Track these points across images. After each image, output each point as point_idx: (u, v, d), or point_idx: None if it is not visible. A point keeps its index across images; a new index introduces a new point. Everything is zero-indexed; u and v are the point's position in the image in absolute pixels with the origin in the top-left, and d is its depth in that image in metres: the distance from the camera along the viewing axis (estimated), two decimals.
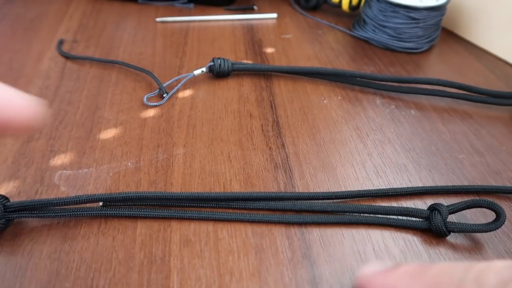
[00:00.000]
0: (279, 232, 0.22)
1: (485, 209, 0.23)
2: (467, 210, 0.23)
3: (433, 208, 0.22)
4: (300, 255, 0.21)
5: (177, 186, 0.24)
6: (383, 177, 0.26)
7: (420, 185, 0.25)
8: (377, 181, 0.25)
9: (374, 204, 0.24)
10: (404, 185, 0.25)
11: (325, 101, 0.32)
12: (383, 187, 0.25)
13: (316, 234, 0.22)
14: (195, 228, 0.22)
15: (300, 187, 0.24)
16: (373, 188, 0.25)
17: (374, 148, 0.28)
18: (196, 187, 0.24)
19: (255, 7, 0.46)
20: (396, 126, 0.30)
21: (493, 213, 0.22)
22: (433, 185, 0.25)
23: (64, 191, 0.23)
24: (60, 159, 0.25)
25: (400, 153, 0.28)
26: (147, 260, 0.20)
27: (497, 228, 0.21)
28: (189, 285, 0.19)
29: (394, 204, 0.24)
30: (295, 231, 0.22)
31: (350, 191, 0.24)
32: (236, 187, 0.24)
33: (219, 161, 0.26)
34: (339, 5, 0.45)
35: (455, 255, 0.21)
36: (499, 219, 0.21)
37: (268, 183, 0.25)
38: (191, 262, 0.20)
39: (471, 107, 0.33)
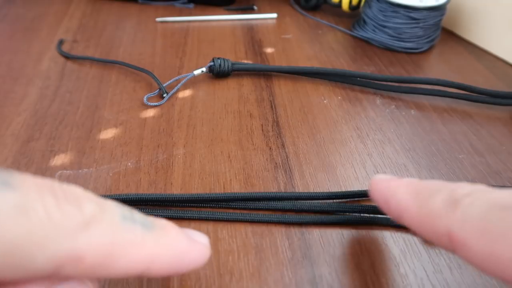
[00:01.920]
0: (279, 232, 0.22)
1: None
2: None
3: None
4: (300, 255, 0.21)
5: (177, 186, 0.24)
6: None
7: None
8: None
9: (374, 204, 0.24)
10: None
11: (325, 101, 0.32)
12: None
13: (316, 234, 0.22)
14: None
15: (300, 187, 0.24)
16: None
17: (374, 148, 0.28)
18: (196, 187, 0.24)
19: (255, 7, 0.46)
20: (396, 126, 0.30)
21: None
22: None
23: None
24: (60, 159, 0.25)
25: (400, 153, 0.28)
26: None
27: None
28: (189, 285, 0.19)
29: None
30: (295, 231, 0.22)
31: (350, 191, 0.24)
32: (236, 187, 0.24)
33: (219, 161, 0.26)
34: (339, 5, 0.45)
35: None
36: None
37: (268, 183, 0.25)
38: None
39: (471, 107, 0.33)
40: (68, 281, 0.12)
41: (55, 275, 0.11)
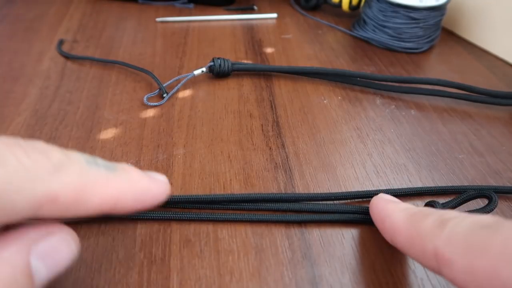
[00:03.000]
0: (279, 232, 0.22)
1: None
2: (462, 206, 0.23)
3: (429, 205, 0.22)
4: (300, 255, 0.21)
5: (177, 186, 0.24)
6: (383, 177, 0.26)
7: (420, 185, 0.25)
8: (377, 181, 0.25)
9: None
10: (404, 185, 0.25)
11: (325, 101, 0.32)
12: (383, 187, 0.25)
13: (316, 234, 0.22)
14: (195, 229, 0.22)
15: (300, 187, 0.24)
16: (373, 189, 0.25)
17: (374, 148, 0.28)
18: (196, 187, 0.24)
19: (255, 7, 0.46)
20: (396, 126, 0.30)
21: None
22: (433, 185, 0.25)
23: None
24: None
25: (400, 153, 0.28)
26: (147, 260, 0.20)
27: (491, 211, 0.22)
28: (189, 285, 0.19)
29: None
30: (295, 231, 0.22)
31: (350, 191, 0.24)
32: (236, 187, 0.24)
33: (219, 161, 0.26)
34: (339, 5, 0.45)
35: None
36: (491, 203, 0.22)
37: (268, 183, 0.25)
38: (191, 262, 0.20)
39: (471, 107, 0.33)
40: (48, 225, 0.14)
41: (35, 217, 0.13)
